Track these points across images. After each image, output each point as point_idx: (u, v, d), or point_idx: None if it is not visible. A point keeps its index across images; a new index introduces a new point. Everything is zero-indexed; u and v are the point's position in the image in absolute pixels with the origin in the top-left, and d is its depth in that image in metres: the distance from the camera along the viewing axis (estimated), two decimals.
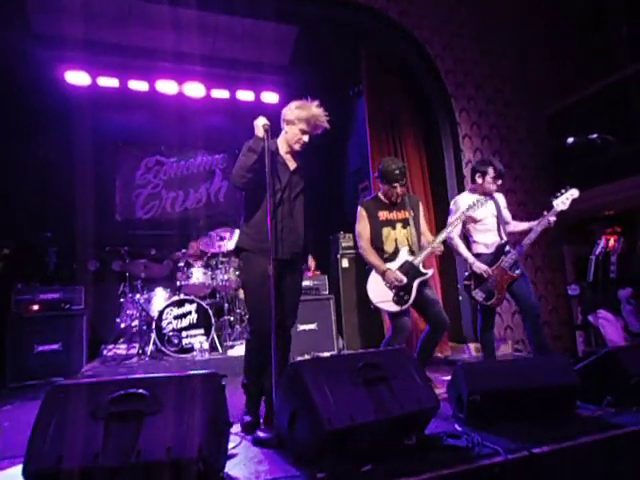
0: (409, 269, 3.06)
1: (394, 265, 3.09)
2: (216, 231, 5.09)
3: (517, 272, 3.24)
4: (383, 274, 3.06)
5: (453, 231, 3.29)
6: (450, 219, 3.40)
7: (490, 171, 3.35)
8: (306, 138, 2.51)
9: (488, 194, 3.38)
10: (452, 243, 3.39)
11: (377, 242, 3.15)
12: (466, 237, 3.50)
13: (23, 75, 5.32)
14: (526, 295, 3.27)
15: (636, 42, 5.13)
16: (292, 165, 2.58)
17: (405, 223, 3.17)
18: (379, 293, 3.07)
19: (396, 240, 3.14)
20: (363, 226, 3.18)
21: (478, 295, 3.30)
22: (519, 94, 5.61)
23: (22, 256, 4.96)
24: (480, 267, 3.26)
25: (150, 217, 6.36)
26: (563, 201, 3.23)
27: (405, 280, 3.02)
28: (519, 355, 4.73)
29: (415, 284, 3.04)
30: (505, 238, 3.34)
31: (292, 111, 2.50)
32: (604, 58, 5.43)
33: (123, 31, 5.43)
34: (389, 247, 3.14)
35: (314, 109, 2.48)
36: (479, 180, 3.40)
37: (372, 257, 3.12)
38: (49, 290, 4.62)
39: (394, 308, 3.04)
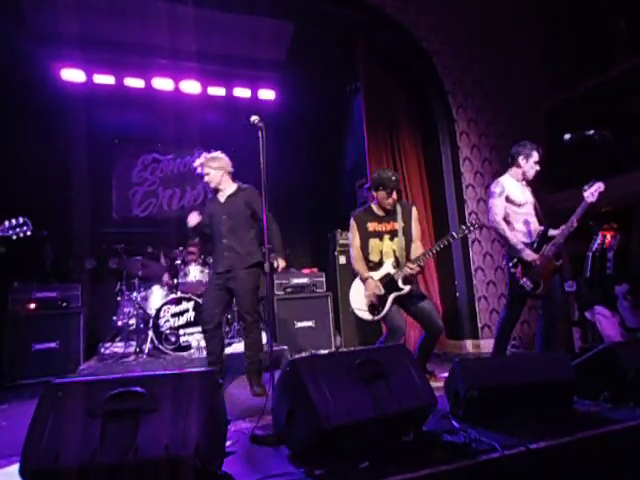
0: (388, 282, 3.13)
1: (377, 275, 3.18)
2: None
3: (559, 262, 3.16)
4: (365, 281, 3.18)
5: (498, 214, 3.27)
6: (492, 200, 3.34)
7: (535, 155, 3.33)
8: (206, 178, 3.40)
9: (527, 179, 3.36)
10: (498, 227, 3.27)
11: (364, 252, 3.27)
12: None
13: (18, 73, 5.28)
14: (555, 293, 3.19)
15: (634, 37, 5.11)
16: (223, 198, 3.40)
17: (393, 235, 3.22)
18: (357, 300, 3.22)
19: (381, 251, 3.22)
20: (353, 236, 3.33)
21: (526, 284, 3.17)
22: (517, 91, 5.60)
23: (19, 254, 4.94)
24: (531, 255, 3.15)
25: (147, 215, 6.34)
26: (592, 193, 3.12)
27: (382, 292, 3.11)
28: (516, 351, 4.73)
29: (390, 298, 3.11)
30: (544, 225, 3.26)
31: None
32: (602, 53, 5.41)
33: (119, 28, 5.38)
34: (374, 257, 3.24)
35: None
36: (522, 162, 3.35)
37: (358, 264, 3.27)
38: (46, 288, 4.61)
39: (367, 317, 3.16)
